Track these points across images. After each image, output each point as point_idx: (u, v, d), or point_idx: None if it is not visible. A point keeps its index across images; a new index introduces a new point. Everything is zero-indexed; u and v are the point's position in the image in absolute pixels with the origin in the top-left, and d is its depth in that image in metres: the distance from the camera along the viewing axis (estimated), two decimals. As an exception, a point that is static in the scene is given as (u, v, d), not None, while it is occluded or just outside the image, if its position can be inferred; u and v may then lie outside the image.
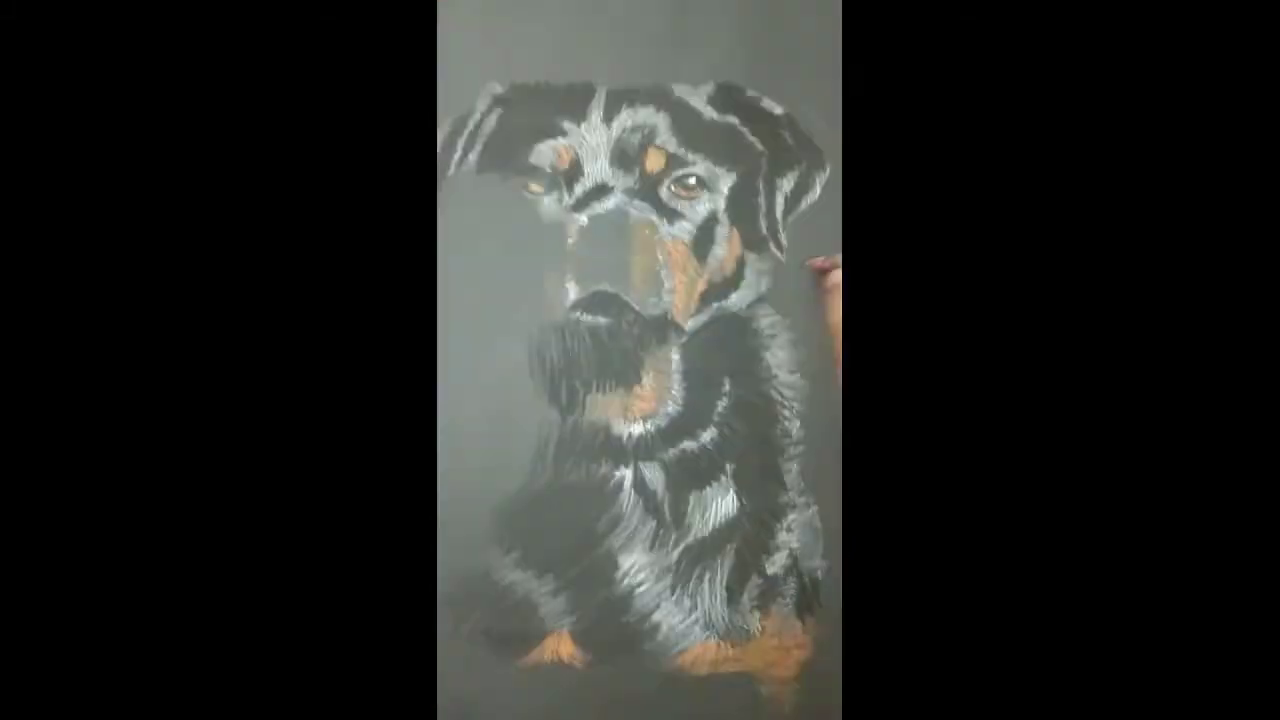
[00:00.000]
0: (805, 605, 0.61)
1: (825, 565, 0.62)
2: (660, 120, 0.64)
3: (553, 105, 0.65)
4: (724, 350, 0.63)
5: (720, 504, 0.62)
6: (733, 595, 0.61)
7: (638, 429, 0.63)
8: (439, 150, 0.65)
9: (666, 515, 0.62)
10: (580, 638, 0.62)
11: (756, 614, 0.61)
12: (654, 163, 0.63)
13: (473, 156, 0.65)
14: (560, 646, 0.62)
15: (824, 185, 0.64)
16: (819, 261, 0.62)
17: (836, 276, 0.60)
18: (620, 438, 0.63)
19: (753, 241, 0.64)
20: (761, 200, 0.64)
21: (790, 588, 0.62)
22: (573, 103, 0.65)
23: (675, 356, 0.63)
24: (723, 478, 0.62)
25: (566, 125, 0.64)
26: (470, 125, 0.65)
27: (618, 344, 0.63)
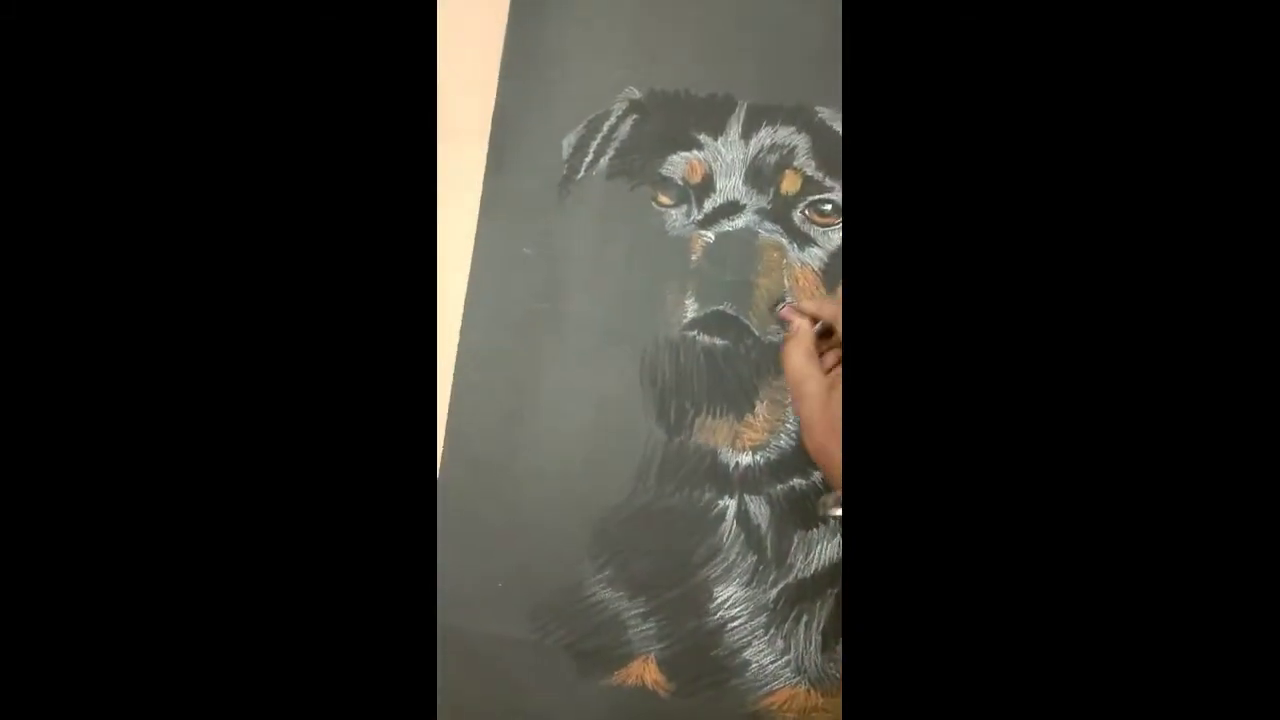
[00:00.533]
0: (904, 663, 0.59)
1: (930, 623, 0.59)
2: (801, 141, 0.61)
3: (691, 116, 0.63)
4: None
5: (825, 547, 0.60)
6: (828, 642, 0.59)
7: (746, 459, 0.61)
8: (572, 151, 0.64)
9: (768, 552, 0.60)
10: (666, 665, 0.60)
11: (852, 665, 0.59)
12: (790, 185, 0.61)
13: (604, 161, 0.64)
14: (645, 672, 0.60)
15: (970, 223, 0.60)
16: (785, 311, 0.57)
17: (798, 323, 0.56)
18: (727, 466, 0.61)
19: (887, 275, 0.61)
20: (900, 233, 0.61)
21: (890, 642, 0.59)
22: (711, 115, 0.63)
23: (792, 388, 0.61)
24: (831, 521, 0.60)
25: (703, 138, 0.62)
26: (604, 129, 0.64)
27: (733, 368, 0.61)
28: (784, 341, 0.55)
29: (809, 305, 0.56)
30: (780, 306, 0.58)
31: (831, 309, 0.55)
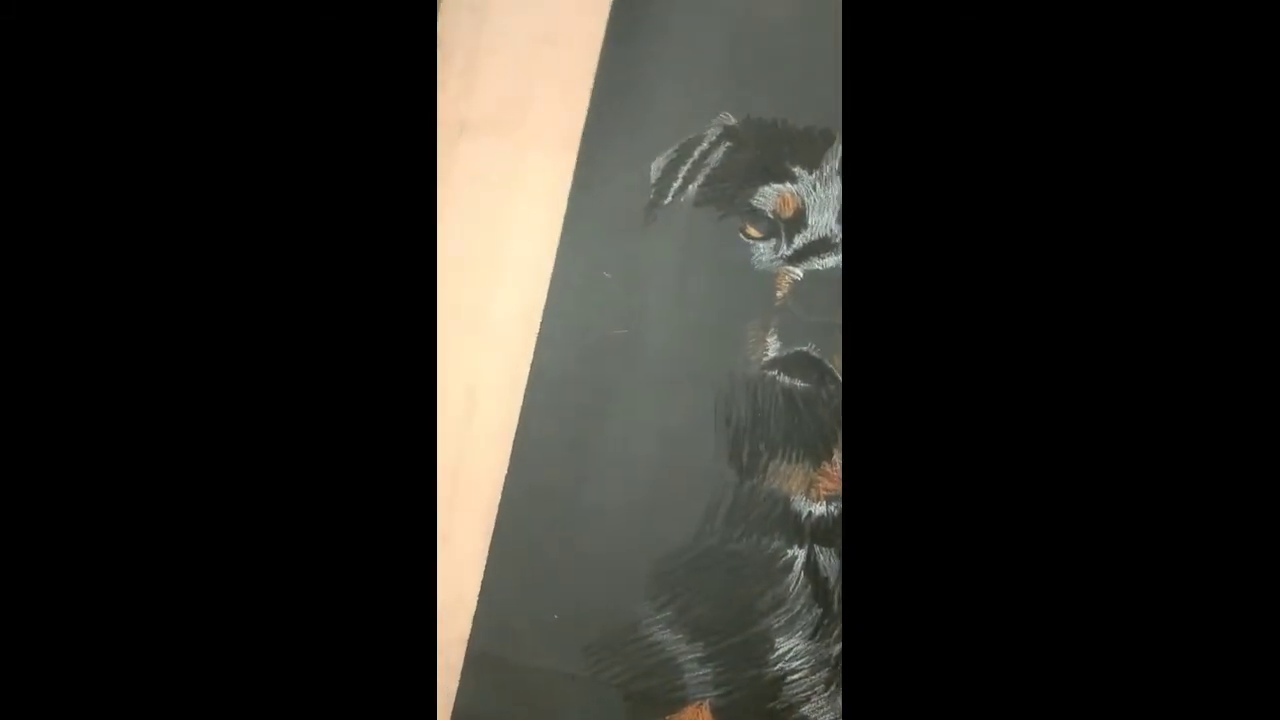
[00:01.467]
0: (970, 734, 0.57)
1: (1000, 695, 0.56)
2: (901, 181, 0.59)
3: (786, 147, 0.61)
4: (928, 442, 0.58)
5: (897, 607, 0.57)
6: (892, 706, 0.57)
7: (819, 509, 0.58)
8: (659, 175, 0.62)
9: (835, 606, 0.58)
10: (721, 713, 0.58)
11: (914, 731, 0.57)
12: (886, 226, 0.59)
13: (692, 188, 0.62)
14: (699, 719, 0.58)
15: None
16: None
17: None
18: (799, 514, 0.58)
19: (981, 329, 0.58)
20: (999, 286, 0.58)
21: (957, 711, 0.57)
22: (808, 148, 0.60)
23: (873, 438, 0.58)
24: (905, 580, 0.57)
25: (798, 171, 0.60)
26: (696, 154, 0.62)
27: (813, 412, 0.59)
28: None
29: None
30: None
31: None
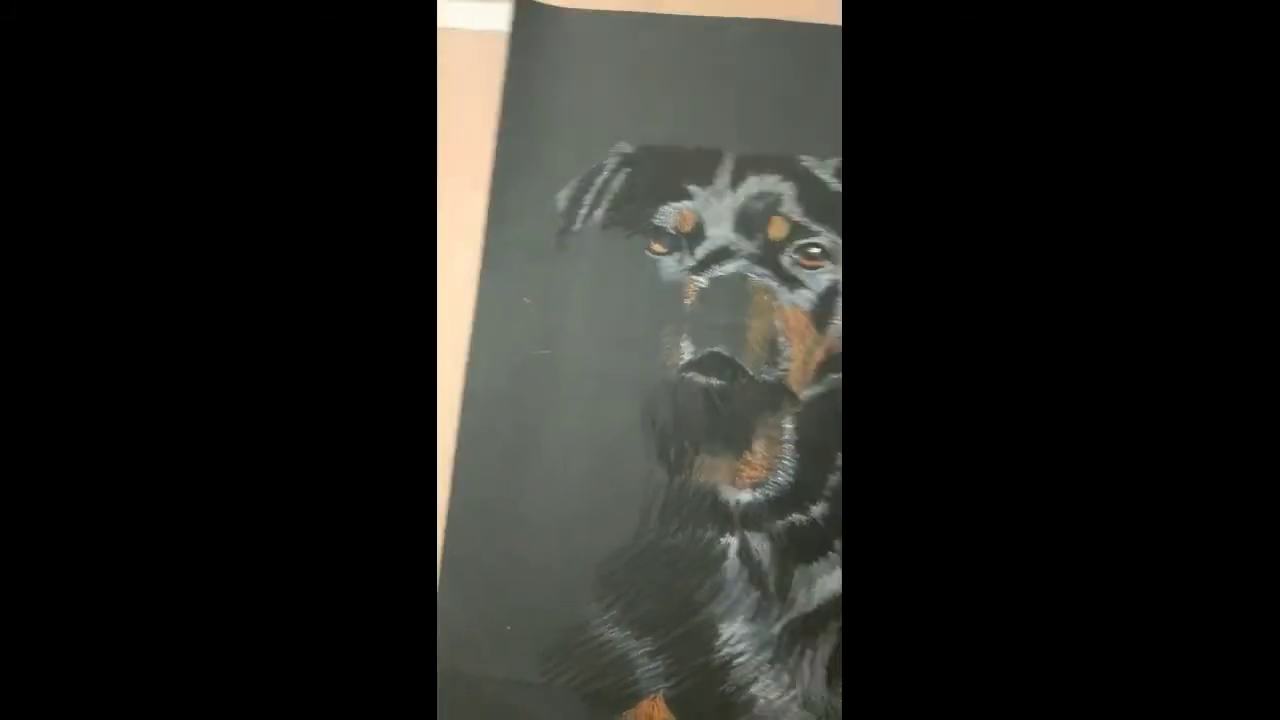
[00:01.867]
0: (909, 693, 0.59)
1: (932, 653, 0.60)
2: (786, 189, 0.64)
3: (680, 168, 0.66)
4: (839, 424, 0.62)
5: (827, 581, 0.61)
6: (833, 676, 0.60)
7: (746, 496, 0.62)
8: (567, 204, 0.67)
9: (771, 587, 0.61)
10: (675, 703, 0.60)
11: (857, 697, 0.60)
12: (778, 230, 0.63)
13: (599, 213, 0.66)
14: (655, 711, 0.60)
15: (951, 262, 0.63)
16: None
17: None
18: (728, 504, 0.62)
19: (874, 314, 0.63)
20: (886, 273, 0.63)
21: (894, 673, 0.60)
22: (700, 167, 0.65)
23: (788, 425, 0.62)
24: (831, 554, 0.61)
25: (693, 189, 0.65)
26: (598, 182, 0.67)
27: (730, 407, 0.63)
28: None
29: None
30: None
31: None
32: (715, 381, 0.62)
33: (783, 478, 0.62)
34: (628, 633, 0.62)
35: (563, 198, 0.67)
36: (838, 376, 0.62)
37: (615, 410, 0.64)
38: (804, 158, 0.65)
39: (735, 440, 0.62)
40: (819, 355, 0.62)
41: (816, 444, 0.62)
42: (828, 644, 0.60)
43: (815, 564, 0.61)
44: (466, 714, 0.60)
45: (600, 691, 0.61)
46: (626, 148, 0.67)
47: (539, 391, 0.64)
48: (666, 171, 0.66)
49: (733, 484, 0.62)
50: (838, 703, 0.60)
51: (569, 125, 0.67)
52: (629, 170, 0.67)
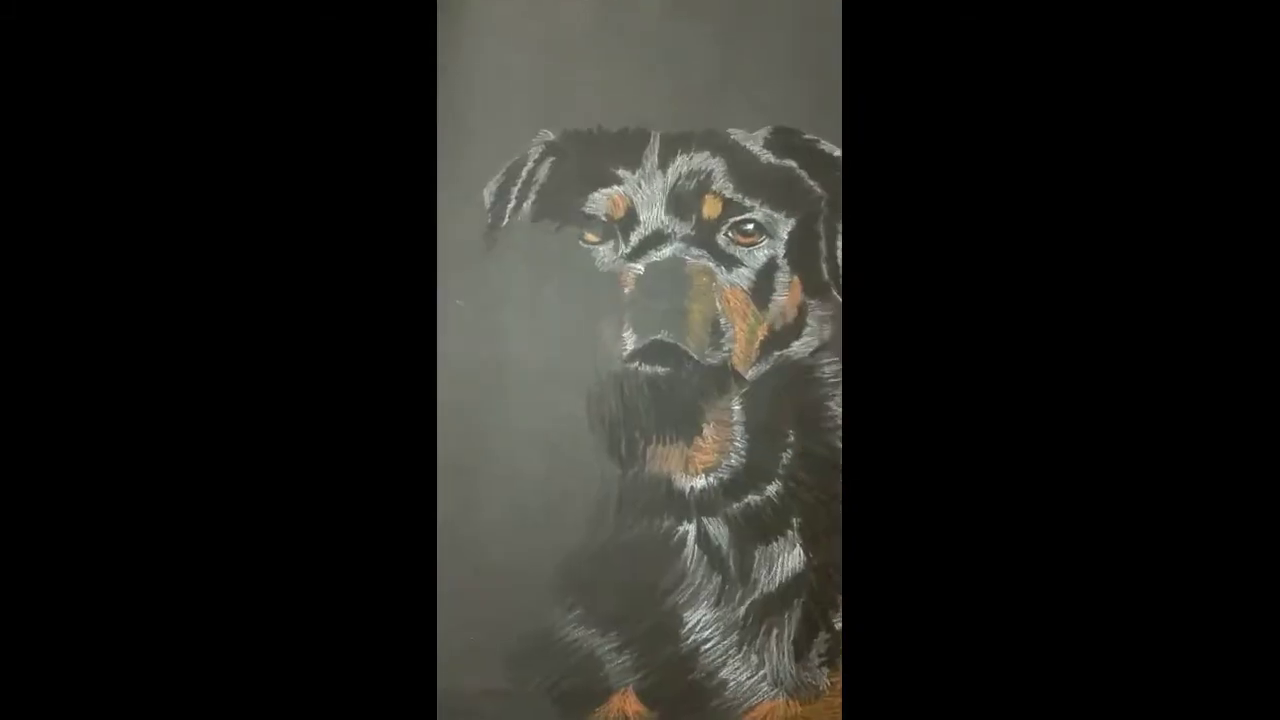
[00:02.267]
0: (876, 661, 0.60)
1: (896, 620, 0.60)
2: (716, 165, 0.63)
3: (606, 152, 0.64)
4: (787, 400, 0.62)
5: (787, 559, 0.61)
6: (800, 651, 0.60)
7: (700, 482, 0.62)
8: (494, 199, 0.65)
9: (732, 571, 0.61)
10: (646, 695, 0.61)
11: (825, 670, 0.60)
12: (711, 209, 0.62)
13: (527, 205, 0.64)
14: (626, 704, 0.61)
15: (887, 228, 0.62)
16: None
17: None
18: (682, 491, 0.61)
19: (814, 288, 0.62)
20: (822, 245, 0.62)
21: (860, 643, 0.61)
22: (627, 149, 0.64)
23: (737, 407, 0.62)
24: (789, 532, 0.61)
25: (621, 172, 0.63)
26: (523, 174, 0.64)
27: (677, 394, 0.62)
28: None
29: None
30: None
31: None
32: (660, 369, 0.61)
33: (735, 460, 0.62)
34: (594, 630, 0.61)
35: (488, 193, 0.64)
36: (782, 353, 0.62)
37: (562, 408, 0.62)
38: (732, 131, 0.63)
39: (685, 427, 0.62)
40: (761, 333, 0.62)
41: (766, 423, 0.61)
42: (792, 621, 0.61)
43: (774, 543, 0.61)
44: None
45: (571, 691, 0.61)
46: (549, 135, 0.65)
47: (483, 396, 0.63)
48: (592, 157, 0.64)
49: (686, 471, 0.62)
50: (806, 677, 0.60)
51: (488, 116, 0.65)
52: (554, 158, 0.64)
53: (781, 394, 0.62)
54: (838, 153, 0.62)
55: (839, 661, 0.60)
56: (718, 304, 0.61)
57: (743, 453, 0.62)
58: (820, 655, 0.60)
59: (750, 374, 0.62)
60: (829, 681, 0.60)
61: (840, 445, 0.61)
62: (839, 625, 0.60)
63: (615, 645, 0.61)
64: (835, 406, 0.62)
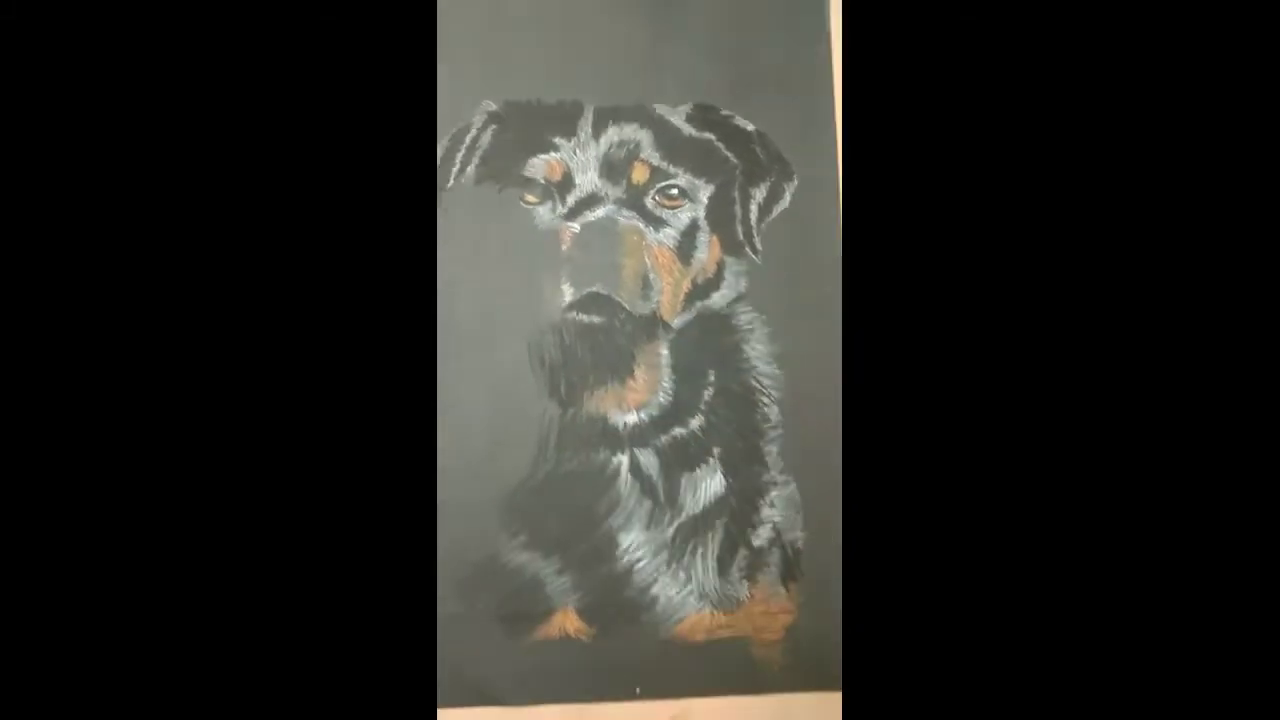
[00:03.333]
0: (788, 573, 0.68)
1: (804, 537, 0.68)
2: (644, 136, 0.70)
3: (544, 122, 0.70)
4: (708, 345, 0.69)
5: (709, 484, 0.68)
6: (723, 567, 0.68)
7: (632, 419, 0.68)
8: (439, 163, 0.70)
9: (661, 496, 0.68)
10: (585, 613, 0.67)
11: (745, 583, 0.68)
12: (639, 175, 0.69)
13: (470, 169, 0.70)
14: (566, 622, 0.67)
15: (793, 194, 0.71)
16: None
17: None
18: (616, 427, 0.68)
19: (731, 246, 0.70)
20: (738, 209, 0.70)
21: (774, 558, 0.68)
22: (563, 119, 0.70)
23: (664, 351, 0.69)
24: (711, 460, 0.68)
25: (558, 140, 0.70)
26: (467, 140, 0.70)
27: (611, 341, 0.68)
28: None
29: None
30: None
31: None
32: (596, 319, 0.68)
33: (663, 398, 0.69)
34: (536, 555, 0.67)
35: (435, 158, 0.70)
36: (703, 304, 0.69)
37: (506, 353, 0.68)
38: (658, 106, 0.71)
39: (619, 370, 0.68)
40: (685, 286, 0.69)
41: (690, 365, 0.69)
42: (715, 540, 0.68)
43: (698, 470, 0.68)
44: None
45: (516, 611, 0.66)
46: (491, 105, 0.70)
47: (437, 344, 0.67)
48: (531, 125, 0.70)
49: (619, 409, 0.68)
50: (729, 590, 0.67)
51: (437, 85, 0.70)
52: (495, 126, 0.70)
53: (703, 340, 0.69)
54: (751, 127, 0.71)
55: (758, 576, 0.68)
56: (647, 260, 0.68)
57: (670, 392, 0.69)
58: (741, 570, 0.68)
59: (676, 322, 0.69)
60: (749, 593, 0.68)
61: (752, 383, 0.69)
62: (756, 542, 0.68)
63: (556, 568, 0.67)
64: (749, 350, 0.70)
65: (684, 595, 0.67)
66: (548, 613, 0.67)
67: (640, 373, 0.69)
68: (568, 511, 0.67)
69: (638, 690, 0.65)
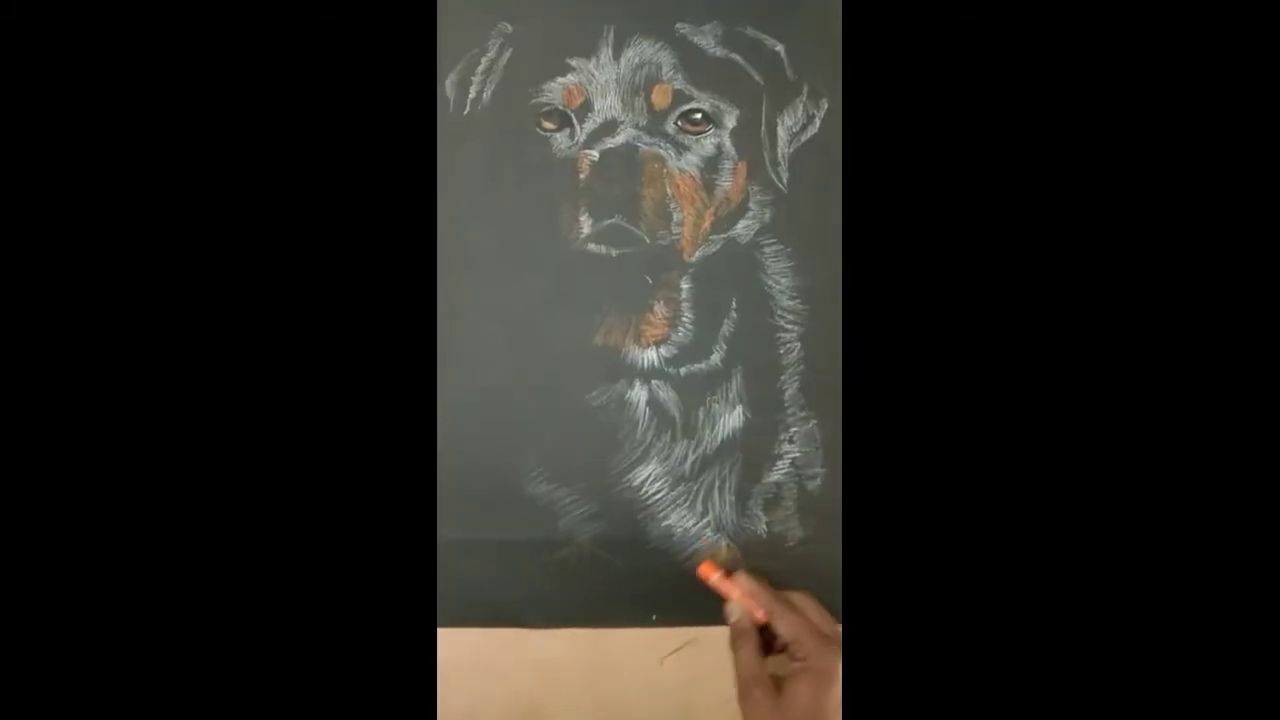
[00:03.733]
0: (805, 507, 0.68)
1: (823, 472, 0.68)
2: (666, 57, 0.67)
3: (562, 43, 0.67)
4: (730, 278, 0.68)
5: (728, 419, 0.68)
6: (740, 500, 0.68)
7: (651, 352, 0.68)
8: (454, 90, 0.68)
9: (679, 430, 0.68)
10: (599, 541, 0.68)
11: (762, 515, 0.68)
12: (661, 99, 0.66)
13: (486, 95, 0.68)
14: (584, 550, 0.68)
15: (823, 119, 0.67)
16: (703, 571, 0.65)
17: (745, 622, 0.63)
18: (635, 361, 0.68)
19: (757, 174, 0.67)
20: (764, 135, 0.67)
21: (791, 492, 0.68)
22: (581, 41, 0.67)
23: (685, 285, 0.67)
24: (730, 395, 0.68)
25: (576, 63, 0.67)
26: (483, 64, 0.68)
27: (630, 273, 0.67)
28: (732, 637, 0.62)
29: (739, 592, 0.63)
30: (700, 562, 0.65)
31: (765, 604, 0.62)
32: (614, 251, 0.67)
33: (683, 332, 0.68)
34: (555, 485, 0.68)
35: (449, 84, 0.68)
36: (725, 236, 0.68)
37: (524, 285, 0.68)
38: (681, 25, 0.67)
39: (637, 304, 0.68)
40: (708, 216, 0.67)
41: (710, 300, 0.68)
42: (733, 474, 0.68)
43: (716, 405, 0.68)
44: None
45: (534, 539, 0.68)
46: (507, 27, 0.68)
47: (450, 276, 0.67)
48: (549, 48, 0.67)
49: (638, 343, 0.68)
50: (745, 523, 0.68)
51: (447, 8, 0.67)
52: (512, 50, 0.68)
53: (725, 273, 0.68)
54: (779, 47, 0.67)
55: (775, 510, 0.68)
56: (668, 189, 0.66)
57: (690, 325, 0.68)
58: (758, 503, 0.68)
59: (698, 254, 0.67)
60: (765, 525, 0.68)
61: (775, 318, 0.68)
62: (773, 477, 0.68)
63: (574, 499, 0.68)
64: (772, 283, 0.68)
65: (700, 527, 0.68)
66: (566, 541, 0.68)
67: (660, 306, 0.68)
68: (586, 443, 0.68)
69: (654, 617, 0.67)
